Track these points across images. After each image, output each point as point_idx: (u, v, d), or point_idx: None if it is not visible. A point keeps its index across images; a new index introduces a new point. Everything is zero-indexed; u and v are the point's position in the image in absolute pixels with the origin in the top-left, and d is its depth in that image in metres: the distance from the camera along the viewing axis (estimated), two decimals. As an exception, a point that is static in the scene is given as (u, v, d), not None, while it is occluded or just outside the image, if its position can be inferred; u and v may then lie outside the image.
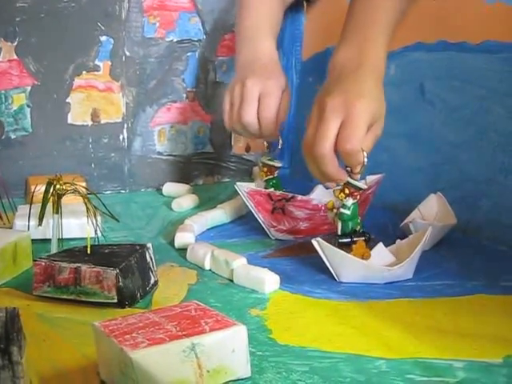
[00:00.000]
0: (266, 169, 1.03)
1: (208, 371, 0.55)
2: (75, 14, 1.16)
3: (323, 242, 0.81)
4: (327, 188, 0.90)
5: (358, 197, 0.84)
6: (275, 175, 1.03)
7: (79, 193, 0.86)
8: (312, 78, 1.33)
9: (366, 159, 0.80)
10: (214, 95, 1.30)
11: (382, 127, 0.84)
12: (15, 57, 1.14)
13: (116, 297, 0.73)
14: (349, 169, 0.82)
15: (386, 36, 0.88)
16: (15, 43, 1.14)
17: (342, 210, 0.84)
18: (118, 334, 0.55)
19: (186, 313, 0.59)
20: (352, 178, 0.82)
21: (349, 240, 0.84)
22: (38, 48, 1.15)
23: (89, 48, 1.19)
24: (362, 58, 0.85)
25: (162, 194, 1.23)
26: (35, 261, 0.76)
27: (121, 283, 0.72)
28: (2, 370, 0.49)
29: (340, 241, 0.84)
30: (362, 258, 0.81)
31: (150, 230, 1.03)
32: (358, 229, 0.85)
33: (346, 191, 0.83)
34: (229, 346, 0.56)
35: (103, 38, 1.19)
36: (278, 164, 1.03)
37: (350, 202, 0.83)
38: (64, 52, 1.17)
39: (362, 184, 0.84)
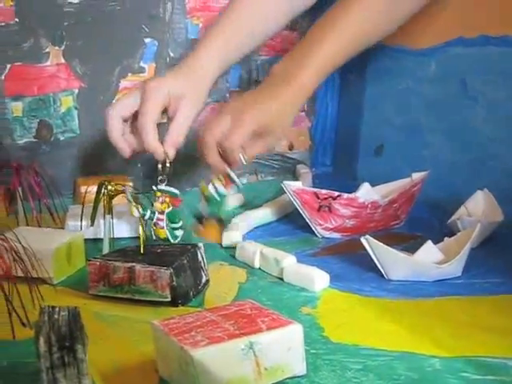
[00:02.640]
0: (168, 199, 0.93)
1: (266, 369, 0.56)
2: (120, 18, 1.18)
3: (372, 239, 0.82)
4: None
5: (231, 191, 0.94)
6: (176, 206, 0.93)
7: (130, 195, 0.88)
8: (353, 76, 1.33)
9: (244, 160, 0.91)
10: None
11: (276, 141, 0.96)
12: (63, 60, 1.16)
13: (169, 296, 0.74)
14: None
15: (323, 61, 0.95)
16: (62, 47, 1.16)
17: (212, 191, 0.92)
18: (177, 333, 0.57)
19: (242, 312, 0.61)
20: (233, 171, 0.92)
21: (202, 218, 0.93)
22: (84, 51, 1.17)
23: (134, 50, 1.20)
24: (294, 74, 0.94)
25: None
26: (89, 260, 0.78)
27: (174, 282, 0.74)
28: (68, 367, 0.51)
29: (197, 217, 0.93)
30: (211, 238, 0.95)
31: (197, 228, 1.04)
32: (222, 216, 0.94)
33: (223, 181, 0.92)
34: (285, 344, 0.57)
35: (148, 40, 1.21)
36: (176, 192, 0.93)
37: (221, 189, 0.92)
38: (110, 55, 1.19)
39: (238, 180, 0.93)
